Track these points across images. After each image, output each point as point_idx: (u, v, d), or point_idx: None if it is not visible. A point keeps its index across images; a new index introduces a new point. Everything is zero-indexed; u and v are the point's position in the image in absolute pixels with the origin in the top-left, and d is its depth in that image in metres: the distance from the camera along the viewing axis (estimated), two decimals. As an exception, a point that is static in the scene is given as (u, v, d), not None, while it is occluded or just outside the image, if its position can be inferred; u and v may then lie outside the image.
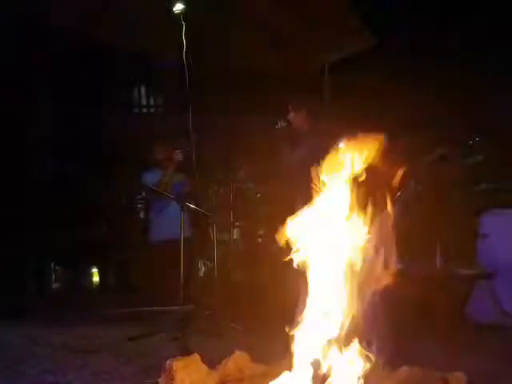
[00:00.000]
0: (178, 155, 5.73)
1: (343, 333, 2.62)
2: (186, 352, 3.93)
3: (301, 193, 4.64)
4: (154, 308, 5.48)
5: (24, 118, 9.35)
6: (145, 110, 13.04)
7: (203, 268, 6.82)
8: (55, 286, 8.21)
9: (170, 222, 5.59)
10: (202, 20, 4.78)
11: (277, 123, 4.75)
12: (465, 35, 7.01)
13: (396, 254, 3.63)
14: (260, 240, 6.73)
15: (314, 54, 5.41)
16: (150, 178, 5.90)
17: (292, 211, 4.63)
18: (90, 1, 4.88)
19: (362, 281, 2.88)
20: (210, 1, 4.71)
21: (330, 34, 4.94)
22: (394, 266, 3.46)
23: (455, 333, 4.29)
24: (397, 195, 3.96)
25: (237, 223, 6.57)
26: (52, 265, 8.24)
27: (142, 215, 8.49)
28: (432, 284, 4.18)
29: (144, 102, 12.85)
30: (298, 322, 2.68)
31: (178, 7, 4.51)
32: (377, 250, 2.82)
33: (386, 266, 3.34)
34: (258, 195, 6.58)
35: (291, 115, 4.74)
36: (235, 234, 6.61)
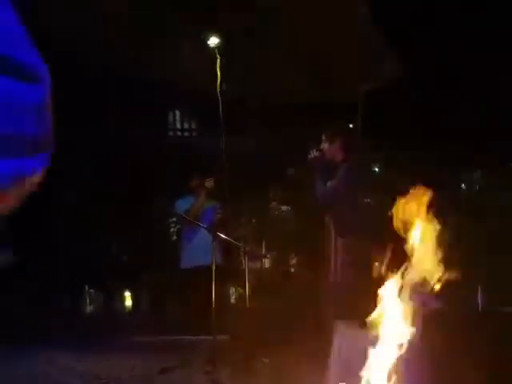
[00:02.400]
0: (210, 183, 5.73)
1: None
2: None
3: (334, 222, 4.61)
4: (187, 337, 5.46)
5: (62, 142, 9.58)
6: (179, 134, 13.22)
7: (234, 295, 6.78)
8: (89, 308, 8.28)
9: (201, 249, 5.58)
10: (239, 50, 4.81)
11: (310, 152, 4.71)
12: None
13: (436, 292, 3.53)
14: (292, 269, 6.66)
15: (350, 83, 5.38)
16: (183, 204, 5.91)
17: (324, 241, 4.60)
18: (129, 30, 4.96)
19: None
20: (246, 31, 4.74)
21: (366, 63, 4.91)
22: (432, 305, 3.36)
23: (496, 375, 4.12)
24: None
25: (268, 253, 6.52)
26: (86, 288, 8.32)
27: (174, 240, 8.53)
28: (472, 323, 4.03)
29: (178, 126, 13.04)
30: None
31: (213, 41, 4.56)
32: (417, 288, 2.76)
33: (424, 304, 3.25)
34: (291, 224, 6.53)
35: (325, 145, 4.70)
36: (267, 262, 6.56)
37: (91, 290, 8.52)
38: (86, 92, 9.78)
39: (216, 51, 4.56)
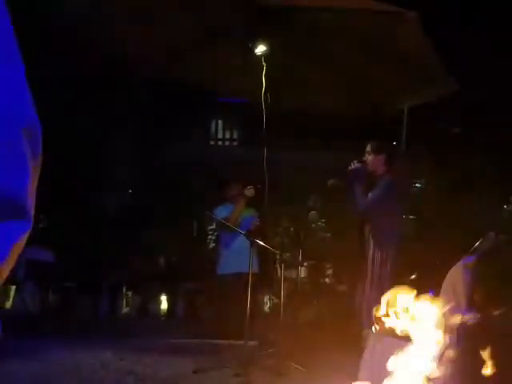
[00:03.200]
0: (250, 191, 5.80)
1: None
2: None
3: (372, 233, 4.62)
4: (220, 341, 5.52)
5: (105, 152, 9.87)
6: (220, 143, 13.42)
7: (269, 303, 6.81)
8: (125, 310, 8.43)
9: (238, 256, 5.65)
10: (282, 61, 4.88)
11: (351, 163, 4.75)
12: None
13: (472, 308, 3.50)
14: (327, 280, 6.66)
15: (394, 98, 5.38)
16: (222, 211, 6.01)
17: (361, 251, 4.60)
18: (176, 41, 5.09)
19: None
20: (290, 43, 4.80)
21: (410, 78, 4.91)
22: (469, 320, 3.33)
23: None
24: (474, 246, 3.84)
25: (305, 262, 6.54)
26: (124, 290, 8.48)
27: (212, 246, 8.63)
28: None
29: (220, 135, 13.24)
30: None
31: (261, 49, 4.64)
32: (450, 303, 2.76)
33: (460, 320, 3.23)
34: (328, 234, 6.54)
35: (369, 157, 4.73)
36: (303, 272, 6.59)
37: (128, 293, 8.67)
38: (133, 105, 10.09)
39: (262, 59, 4.64)
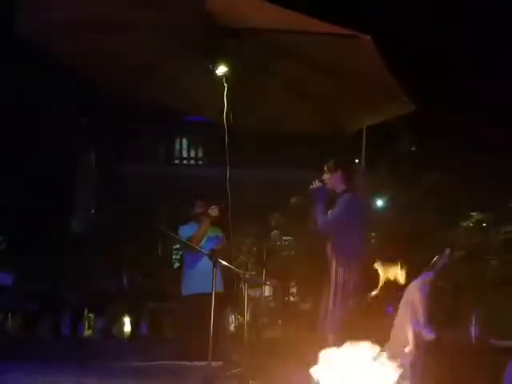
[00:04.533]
0: (214, 211, 5.80)
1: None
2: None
3: (334, 251, 4.68)
4: (183, 362, 5.46)
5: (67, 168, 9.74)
6: (185, 162, 13.39)
7: (234, 323, 6.79)
8: (87, 333, 8.28)
9: (202, 276, 5.62)
10: (243, 82, 4.93)
11: (312, 183, 4.81)
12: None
13: (430, 323, 3.57)
14: (292, 298, 6.69)
15: (352, 117, 5.49)
16: (186, 230, 5.98)
17: (324, 270, 4.65)
18: (138, 57, 5.08)
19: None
20: (251, 65, 4.86)
21: (368, 98, 5.02)
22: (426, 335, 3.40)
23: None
24: (431, 262, 3.93)
25: (268, 281, 6.55)
26: (85, 312, 8.33)
27: (177, 266, 8.58)
28: (466, 355, 4.05)
29: (185, 154, 13.22)
30: None
31: (221, 70, 4.68)
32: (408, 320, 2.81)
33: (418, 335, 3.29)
34: (293, 252, 6.59)
35: (326, 176, 4.81)
36: (267, 291, 6.59)
37: (90, 315, 8.52)
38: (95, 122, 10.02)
39: (223, 80, 4.68)
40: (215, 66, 4.73)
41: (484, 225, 6.16)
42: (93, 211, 10.35)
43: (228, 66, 4.70)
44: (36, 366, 5.37)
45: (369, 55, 4.12)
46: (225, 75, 4.72)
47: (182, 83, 5.34)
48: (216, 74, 4.71)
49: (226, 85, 4.73)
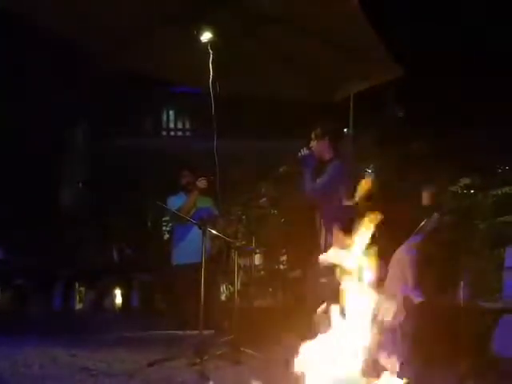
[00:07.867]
0: (202, 182, 5.77)
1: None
2: (204, 378, 3.94)
3: (323, 219, 4.67)
4: (175, 332, 5.50)
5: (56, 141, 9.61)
6: (172, 133, 13.27)
7: (225, 292, 6.82)
8: (79, 306, 8.29)
9: (192, 247, 5.61)
10: (229, 48, 4.84)
11: (300, 151, 4.77)
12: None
13: (418, 286, 3.59)
14: (282, 266, 6.71)
15: (339, 83, 5.43)
16: (175, 201, 5.95)
17: (313, 237, 4.65)
18: (119, 28, 4.98)
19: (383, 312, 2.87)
20: (236, 30, 4.77)
21: (355, 63, 4.96)
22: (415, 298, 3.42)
23: (478, 368, 4.19)
24: (420, 226, 3.94)
25: (258, 249, 6.57)
26: (76, 285, 8.33)
27: (166, 238, 8.57)
28: (455, 317, 4.10)
29: (172, 125, 13.09)
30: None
31: (206, 36, 4.59)
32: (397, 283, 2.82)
33: (407, 298, 3.31)
34: (282, 220, 6.59)
35: (313, 143, 4.77)
36: (257, 259, 6.61)
37: (82, 288, 8.53)
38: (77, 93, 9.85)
39: (208, 46, 4.60)
40: (200, 33, 4.64)
41: (472, 191, 6.18)
42: (80, 185, 10.25)
43: (213, 33, 4.61)
44: (27, 339, 5.36)
45: (356, 18, 4.06)
46: (210, 41, 4.63)
47: (167, 52, 5.24)
48: (201, 41, 4.62)
49: (211, 51, 4.64)
